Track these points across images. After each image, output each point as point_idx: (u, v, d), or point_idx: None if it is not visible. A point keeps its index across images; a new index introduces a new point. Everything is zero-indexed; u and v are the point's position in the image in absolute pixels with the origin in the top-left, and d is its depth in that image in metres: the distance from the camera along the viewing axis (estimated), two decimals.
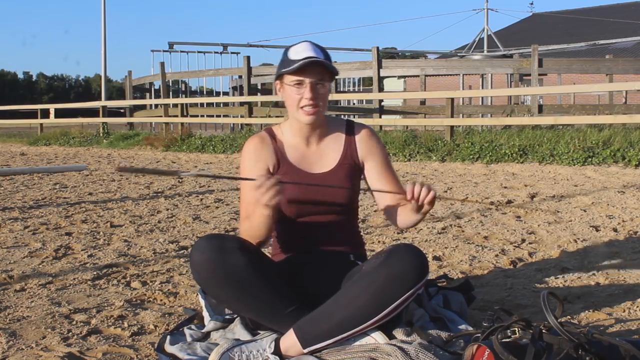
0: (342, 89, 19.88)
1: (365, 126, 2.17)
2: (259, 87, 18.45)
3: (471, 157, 8.79)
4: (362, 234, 2.23)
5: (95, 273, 2.98)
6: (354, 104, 19.84)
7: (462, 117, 13.03)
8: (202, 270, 1.86)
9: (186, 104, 15.20)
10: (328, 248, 2.09)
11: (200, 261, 1.85)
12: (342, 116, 13.31)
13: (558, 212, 4.55)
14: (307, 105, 1.98)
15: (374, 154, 2.11)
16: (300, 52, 1.96)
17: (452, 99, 10.39)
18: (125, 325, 2.23)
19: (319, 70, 1.97)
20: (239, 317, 2.05)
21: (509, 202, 5.06)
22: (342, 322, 1.80)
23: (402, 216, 2.02)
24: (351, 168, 2.10)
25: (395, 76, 24.65)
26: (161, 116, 15.29)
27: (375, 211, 4.69)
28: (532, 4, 66.90)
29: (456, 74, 18.61)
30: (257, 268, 1.87)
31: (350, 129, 2.14)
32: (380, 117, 12.86)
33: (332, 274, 2.01)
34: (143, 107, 19.03)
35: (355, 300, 1.81)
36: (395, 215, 2.05)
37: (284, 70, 1.97)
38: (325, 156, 2.10)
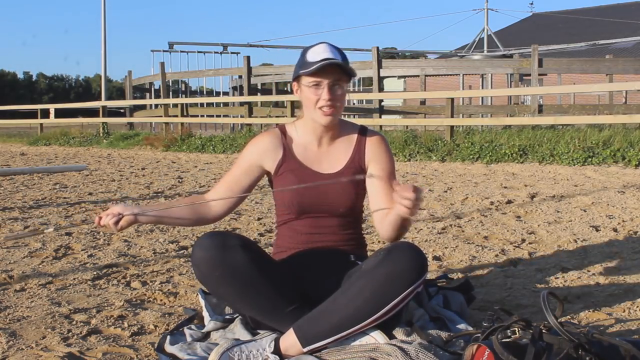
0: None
1: (379, 134, 2.18)
2: (259, 87, 18.46)
3: (471, 157, 8.79)
4: (364, 235, 2.22)
5: (95, 273, 2.98)
6: (354, 104, 19.83)
7: (462, 117, 13.03)
8: (204, 268, 1.87)
9: (186, 104, 15.21)
10: (330, 248, 2.10)
11: (201, 258, 1.86)
12: (342, 116, 13.30)
13: (558, 212, 4.55)
14: (325, 106, 1.99)
15: (379, 160, 2.10)
16: (318, 54, 1.97)
17: (452, 99, 10.39)
18: (125, 325, 2.23)
19: (336, 71, 1.98)
20: (239, 317, 2.05)
21: (509, 202, 5.06)
22: (341, 321, 1.81)
23: (384, 221, 1.99)
24: (357, 172, 2.09)
25: (395, 76, 24.66)
26: (161, 116, 15.29)
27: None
28: (532, 4, 66.88)
29: (456, 74, 18.61)
30: (258, 266, 1.88)
31: (363, 134, 2.14)
32: (380, 117, 12.86)
33: (333, 274, 2.01)
34: (143, 107, 19.03)
35: (354, 298, 1.81)
36: (380, 221, 2.03)
37: (301, 71, 1.99)
38: (334, 158, 2.11)
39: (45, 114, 19.29)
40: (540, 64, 12.08)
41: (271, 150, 2.10)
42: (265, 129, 2.22)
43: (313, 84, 1.98)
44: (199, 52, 20.49)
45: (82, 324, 2.25)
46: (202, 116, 16.58)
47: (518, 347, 1.63)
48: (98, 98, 32.55)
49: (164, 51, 20.07)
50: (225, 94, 20.47)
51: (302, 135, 2.12)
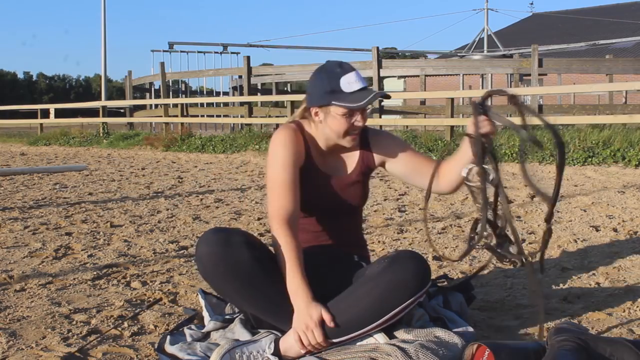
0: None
1: (381, 132, 2.20)
2: (259, 87, 18.46)
3: None
4: (364, 235, 2.23)
5: (95, 273, 2.98)
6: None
7: (462, 117, 13.02)
8: (207, 263, 1.87)
9: (186, 104, 15.22)
10: (333, 248, 2.11)
11: (205, 253, 1.86)
12: None
13: (558, 212, 4.55)
14: (358, 130, 1.99)
15: (396, 152, 2.12)
16: (354, 83, 1.94)
17: (452, 99, 10.40)
18: (125, 325, 2.23)
19: None
20: (238, 317, 2.05)
21: (509, 202, 5.06)
22: (341, 326, 1.80)
23: (445, 175, 2.07)
24: (365, 174, 2.12)
25: (395, 76, 24.66)
26: (161, 116, 15.30)
27: (375, 211, 4.69)
28: (532, 4, 67.08)
29: (456, 74, 18.62)
30: (261, 264, 1.88)
31: (365, 136, 2.13)
32: (380, 117, 12.86)
33: (337, 274, 2.02)
34: (143, 107, 19.04)
35: (355, 305, 1.82)
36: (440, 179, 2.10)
37: (346, 104, 1.92)
38: (343, 162, 2.12)
39: (45, 114, 19.30)
40: (540, 64, 12.09)
41: (299, 147, 2.05)
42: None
43: (347, 114, 1.96)
44: (199, 52, 20.51)
45: (82, 324, 2.25)
46: (202, 116, 16.58)
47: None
48: (98, 98, 32.58)
49: (164, 51, 20.10)
50: (225, 94, 20.48)
51: (313, 140, 2.10)
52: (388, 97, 2.04)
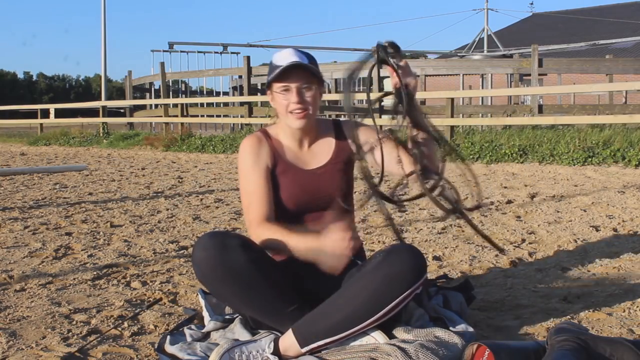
0: (342, 89, 19.85)
1: (349, 120, 2.21)
2: (259, 87, 18.45)
3: (471, 157, 8.78)
4: (360, 234, 2.23)
5: (95, 273, 2.98)
6: (354, 104, 19.82)
7: (462, 117, 13.02)
8: (204, 267, 1.87)
9: (186, 104, 15.21)
10: None
11: (201, 258, 1.86)
12: (343, 116, 13.30)
13: (558, 212, 4.55)
14: (295, 109, 2.00)
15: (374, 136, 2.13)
16: (284, 58, 1.98)
17: (452, 99, 10.40)
18: (125, 325, 2.23)
19: (305, 74, 1.99)
20: (238, 317, 2.05)
21: (509, 202, 5.06)
22: (339, 322, 1.81)
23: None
24: (344, 163, 2.13)
25: None
26: (161, 116, 15.30)
27: (375, 211, 4.69)
28: (532, 4, 66.88)
29: (456, 74, 18.60)
30: (258, 266, 1.88)
31: (339, 127, 2.18)
32: (380, 117, 12.82)
33: (333, 274, 2.01)
34: (143, 107, 19.04)
35: (352, 300, 1.82)
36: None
37: (270, 77, 2.00)
38: (318, 155, 2.13)
39: (45, 114, 19.31)
40: (540, 64, 12.09)
41: (266, 155, 2.10)
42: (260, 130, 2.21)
43: (283, 89, 2.00)
44: (199, 52, 20.51)
45: (82, 324, 2.25)
46: (202, 116, 16.57)
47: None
48: (98, 98, 32.58)
49: (164, 51, 20.09)
50: (225, 94, 20.47)
51: (283, 139, 2.13)
52: (317, 74, 2.00)
